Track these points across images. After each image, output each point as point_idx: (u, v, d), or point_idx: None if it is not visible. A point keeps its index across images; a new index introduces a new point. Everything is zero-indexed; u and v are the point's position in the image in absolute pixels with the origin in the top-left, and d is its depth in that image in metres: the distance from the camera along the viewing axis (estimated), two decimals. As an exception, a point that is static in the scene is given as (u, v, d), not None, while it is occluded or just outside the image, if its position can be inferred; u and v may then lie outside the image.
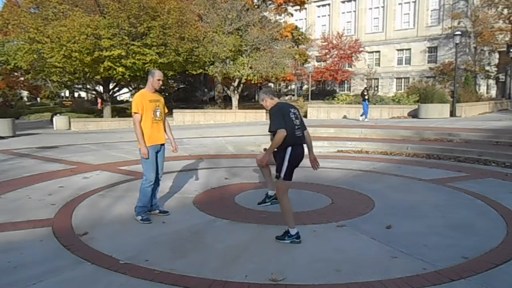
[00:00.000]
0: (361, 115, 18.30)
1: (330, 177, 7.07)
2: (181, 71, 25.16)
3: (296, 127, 3.95)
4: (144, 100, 4.58)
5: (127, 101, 39.47)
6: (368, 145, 10.82)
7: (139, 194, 4.73)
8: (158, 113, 4.67)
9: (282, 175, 3.94)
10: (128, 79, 23.27)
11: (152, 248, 3.83)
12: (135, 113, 4.55)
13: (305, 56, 36.05)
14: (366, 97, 18.17)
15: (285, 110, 3.96)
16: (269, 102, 4.12)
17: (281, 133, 3.80)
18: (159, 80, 4.64)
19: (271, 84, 42.78)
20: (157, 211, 4.90)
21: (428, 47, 37.37)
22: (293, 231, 3.95)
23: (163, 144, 4.80)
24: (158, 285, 3.07)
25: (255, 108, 25.81)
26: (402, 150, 10.16)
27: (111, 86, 25.09)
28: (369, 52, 39.79)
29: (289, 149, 3.89)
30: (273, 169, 4.18)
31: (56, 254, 3.70)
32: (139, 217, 4.63)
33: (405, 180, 6.97)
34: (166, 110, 4.92)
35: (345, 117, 21.41)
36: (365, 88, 19.41)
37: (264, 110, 23.45)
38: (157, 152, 4.72)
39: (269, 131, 3.95)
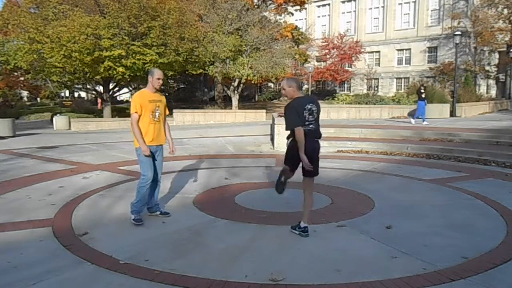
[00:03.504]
0: (416, 117, 15.58)
1: (330, 177, 7.06)
2: (181, 71, 25.17)
3: (307, 122, 3.98)
4: (143, 100, 4.50)
5: (127, 101, 39.48)
6: (368, 145, 10.81)
7: (136, 193, 4.69)
8: (157, 114, 4.57)
9: (287, 162, 4.09)
10: (128, 79, 23.28)
11: (152, 248, 3.83)
12: (134, 113, 4.48)
13: (305, 56, 36.05)
14: (423, 95, 15.64)
15: (300, 105, 3.96)
16: (292, 92, 4.07)
17: (299, 131, 3.87)
18: (158, 79, 4.54)
19: (271, 84, 42.82)
20: (158, 212, 4.84)
21: (428, 47, 37.36)
22: (302, 224, 4.11)
23: (161, 145, 4.73)
24: (158, 285, 3.07)
25: (255, 108, 25.85)
26: (402, 150, 10.15)
27: (111, 86, 25.10)
28: (369, 52, 39.78)
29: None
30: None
31: (56, 254, 3.70)
32: (132, 216, 4.58)
33: (405, 180, 6.97)
34: (167, 112, 4.84)
35: (387, 116, 19.80)
36: (421, 85, 17.09)
37: (264, 111, 23.55)
38: (155, 153, 4.63)
39: (286, 129, 3.98)
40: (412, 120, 15.50)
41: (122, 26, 19.71)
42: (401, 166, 8.35)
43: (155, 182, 4.73)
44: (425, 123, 14.89)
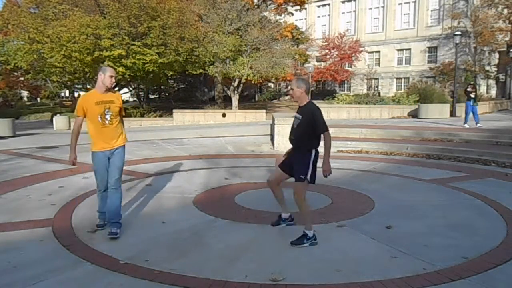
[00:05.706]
0: (476, 122, 13.47)
1: (330, 177, 6.98)
2: (181, 71, 25.18)
3: None
4: (87, 103, 4.10)
5: (127, 101, 39.49)
6: (368, 145, 10.81)
7: None
8: (108, 116, 4.14)
9: (308, 177, 3.95)
10: (128, 79, 23.29)
11: (152, 248, 3.83)
12: (77, 116, 4.17)
13: (305, 56, 36.06)
14: (472, 95, 13.90)
15: None
16: (300, 94, 3.90)
17: (330, 135, 3.87)
18: (111, 76, 4.11)
19: (271, 84, 42.82)
20: (108, 230, 4.14)
21: (428, 47, 37.35)
22: (311, 233, 3.93)
23: (116, 148, 4.32)
24: (158, 285, 3.07)
25: (255, 108, 25.83)
26: (402, 150, 10.15)
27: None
28: (369, 52, 39.78)
29: (314, 151, 3.98)
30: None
31: (56, 254, 3.70)
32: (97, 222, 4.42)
33: (405, 180, 6.97)
34: (123, 113, 4.42)
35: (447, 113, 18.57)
36: (469, 84, 15.07)
37: (264, 111, 23.53)
38: (109, 158, 4.31)
39: (323, 132, 3.89)
40: (478, 124, 13.33)
41: (122, 26, 19.72)
42: (401, 166, 8.35)
43: (111, 191, 4.25)
44: (466, 125, 13.34)
